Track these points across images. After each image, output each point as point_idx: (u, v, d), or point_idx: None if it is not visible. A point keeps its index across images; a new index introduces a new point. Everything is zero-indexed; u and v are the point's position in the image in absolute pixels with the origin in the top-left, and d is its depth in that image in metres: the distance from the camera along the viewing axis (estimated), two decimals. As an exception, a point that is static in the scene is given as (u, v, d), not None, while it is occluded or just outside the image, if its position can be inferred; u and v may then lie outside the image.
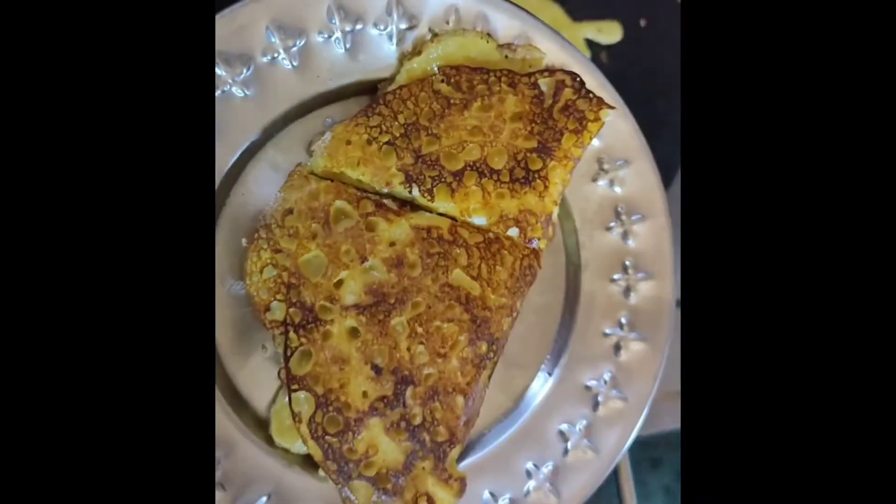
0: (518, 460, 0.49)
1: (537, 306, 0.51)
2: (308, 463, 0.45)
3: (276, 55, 0.46)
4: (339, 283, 0.43)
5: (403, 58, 0.48)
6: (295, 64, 0.47)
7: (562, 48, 0.48)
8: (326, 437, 0.42)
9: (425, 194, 0.44)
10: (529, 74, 0.45)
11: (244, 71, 0.46)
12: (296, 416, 0.42)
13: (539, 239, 0.45)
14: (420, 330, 0.43)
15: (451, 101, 0.45)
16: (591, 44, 0.53)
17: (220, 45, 0.45)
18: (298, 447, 0.46)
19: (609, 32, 0.52)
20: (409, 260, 0.43)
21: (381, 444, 0.42)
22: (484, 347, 0.44)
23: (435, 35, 0.47)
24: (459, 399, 0.43)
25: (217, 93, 0.45)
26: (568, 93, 0.45)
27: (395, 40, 0.47)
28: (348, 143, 0.45)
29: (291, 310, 0.42)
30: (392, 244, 0.44)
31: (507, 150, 0.44)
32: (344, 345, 0.42)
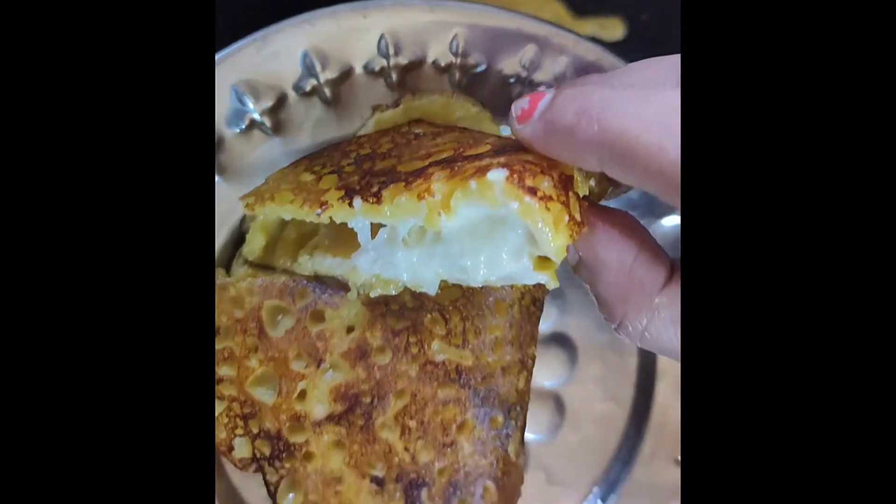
0: None
1: (596, 415, 0.41)
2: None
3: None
4: (302, 394, 0.35)
5: (377, 109, 0.37)
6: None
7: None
8: None
9: (370, 198, 0.29)
10: None
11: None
12: (305, 556, 0.35)
13: (560, 199, 0.25)
14: (412, 424, 0.34)
15: (422, 135, 0.33)
16: (593, 41, 0.53)
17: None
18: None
19: (611, 29, 0.51)
20: (373, 346, 0.34)
21: None
22: (500, 419, 0.35)
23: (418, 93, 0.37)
24: (489, 484, 0.35)
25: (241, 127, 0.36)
26: None
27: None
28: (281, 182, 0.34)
29: (257, 442, 0.35)
30: (350, 329, 0.35)
31: (491, 144, 0.30)
32: (331, 463, 0.35)
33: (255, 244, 0.35)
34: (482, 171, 0.25)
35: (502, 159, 0.26)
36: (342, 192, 0.30)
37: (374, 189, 0.29)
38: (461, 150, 0.30)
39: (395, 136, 0.34)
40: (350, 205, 0.28)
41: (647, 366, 0.41)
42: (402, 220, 0.27)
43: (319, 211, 0.29)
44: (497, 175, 0.24)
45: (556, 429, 0.41)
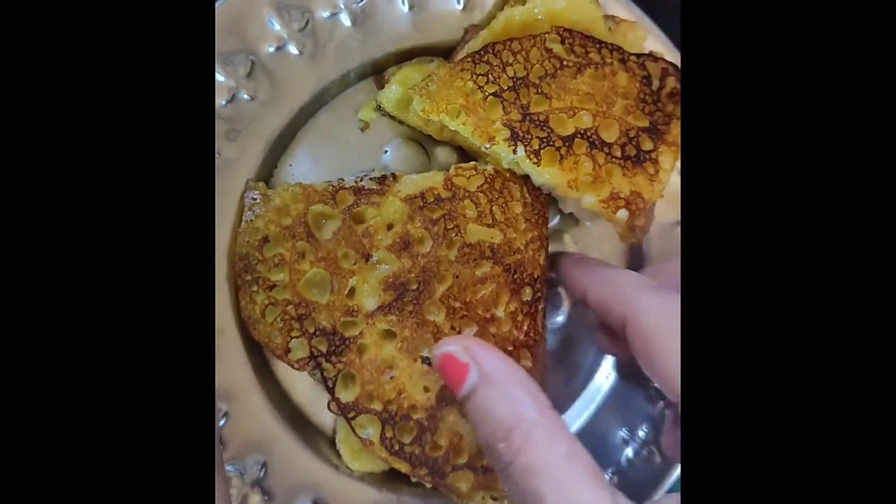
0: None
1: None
2: (397, 477, 0.41)
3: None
4: (352, 292, 0.38)
5: (505, 3, 0.42)
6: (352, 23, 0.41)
7: (655, 36, 0.46)
8: (405, 448, 0.38)
9: (531, 156, 0.38)
10: (638, 55, 0.41)
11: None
12: (365, 442, 0.38)
13: (640, 228, 0.40)
14: (457, 304, 0.38)
15: (564, 63, 0.39)
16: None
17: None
18: (380, 465, 0.42)
19: None
20: (414, 237, 0.38)
21: (462, 429, 0.39)
22: (528, 292, 0.39)
23: None
24: (524, 353, 0.39)
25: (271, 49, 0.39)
26: (672, 81, 0.41)
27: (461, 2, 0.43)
28: (450, 87, 0.39)
29: (314, 341, 0.37)
30: (390, 227, 0.38)
31: (618, 125, 0.40)
32: (384, 352, 0.38)
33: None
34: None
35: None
36: (507, 133, 0.38)
37: (535, 146, 0.38)
38: (597, 120, 0.40)
39: (541, 55, 0.40)
40: (514, 151, 0.38)
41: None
42: (544, 182, 0.39)
43: (488, 145, 0.38)
44: (622, 214, 0.39)
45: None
